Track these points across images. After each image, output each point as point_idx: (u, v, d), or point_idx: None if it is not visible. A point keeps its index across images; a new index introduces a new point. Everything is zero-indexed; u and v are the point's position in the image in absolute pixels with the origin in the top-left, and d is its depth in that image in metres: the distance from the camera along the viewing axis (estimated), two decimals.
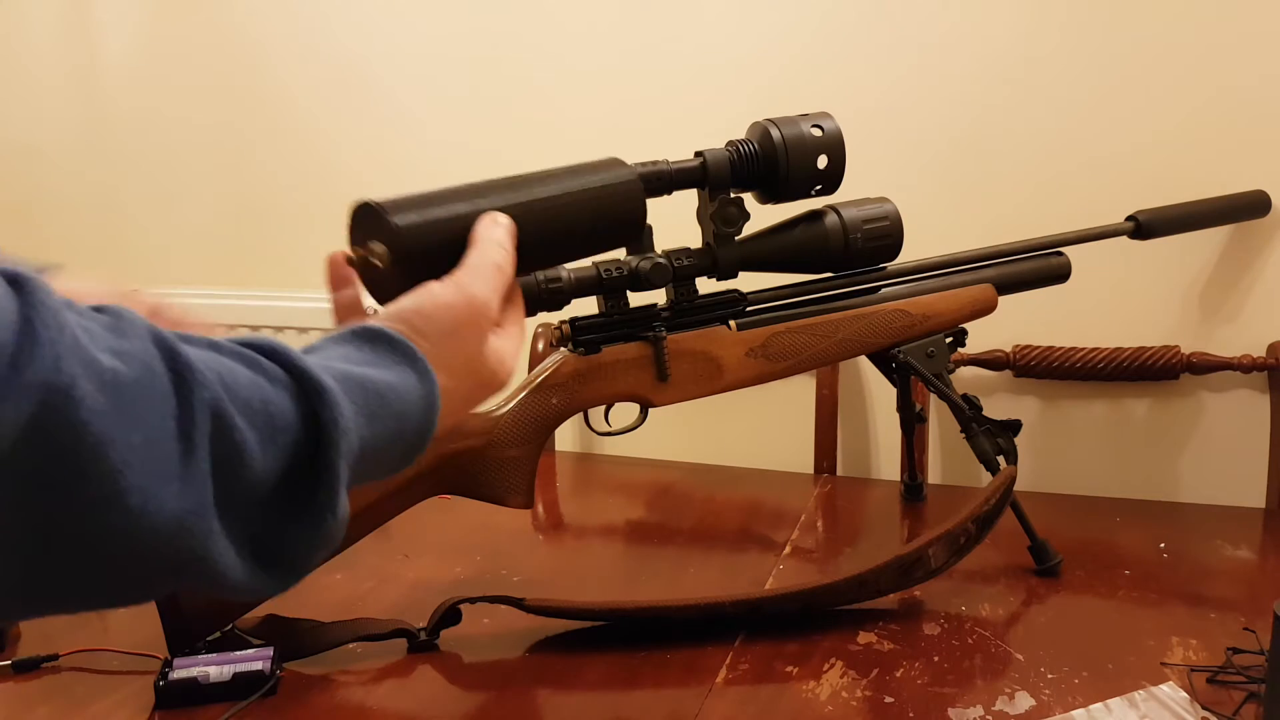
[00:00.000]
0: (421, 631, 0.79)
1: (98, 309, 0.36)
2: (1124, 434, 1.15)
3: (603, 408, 0.84)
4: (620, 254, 0.78)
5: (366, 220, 0.56)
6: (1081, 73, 1.08)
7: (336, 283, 0.57)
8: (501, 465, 0.79)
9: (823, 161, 0.79)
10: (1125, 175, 1.08)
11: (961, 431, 0.89)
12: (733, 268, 0.82)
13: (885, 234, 0.84)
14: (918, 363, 0.88)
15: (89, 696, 0.74)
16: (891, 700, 0.69)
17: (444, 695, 0.74)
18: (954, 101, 1.14)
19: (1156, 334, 1.11)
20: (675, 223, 0.80)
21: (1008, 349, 1.14)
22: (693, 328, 0.82)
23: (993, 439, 0.88)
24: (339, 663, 0.77)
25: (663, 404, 0.82)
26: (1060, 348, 1.13)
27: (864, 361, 1.19)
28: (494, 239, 0.56)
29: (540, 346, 1.31)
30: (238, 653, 0.75)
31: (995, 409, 1.00)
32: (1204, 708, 0.66)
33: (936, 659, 0.75)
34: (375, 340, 0.47)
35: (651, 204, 0.68)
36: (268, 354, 0.40)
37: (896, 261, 0.87)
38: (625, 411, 0.84)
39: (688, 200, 0.80)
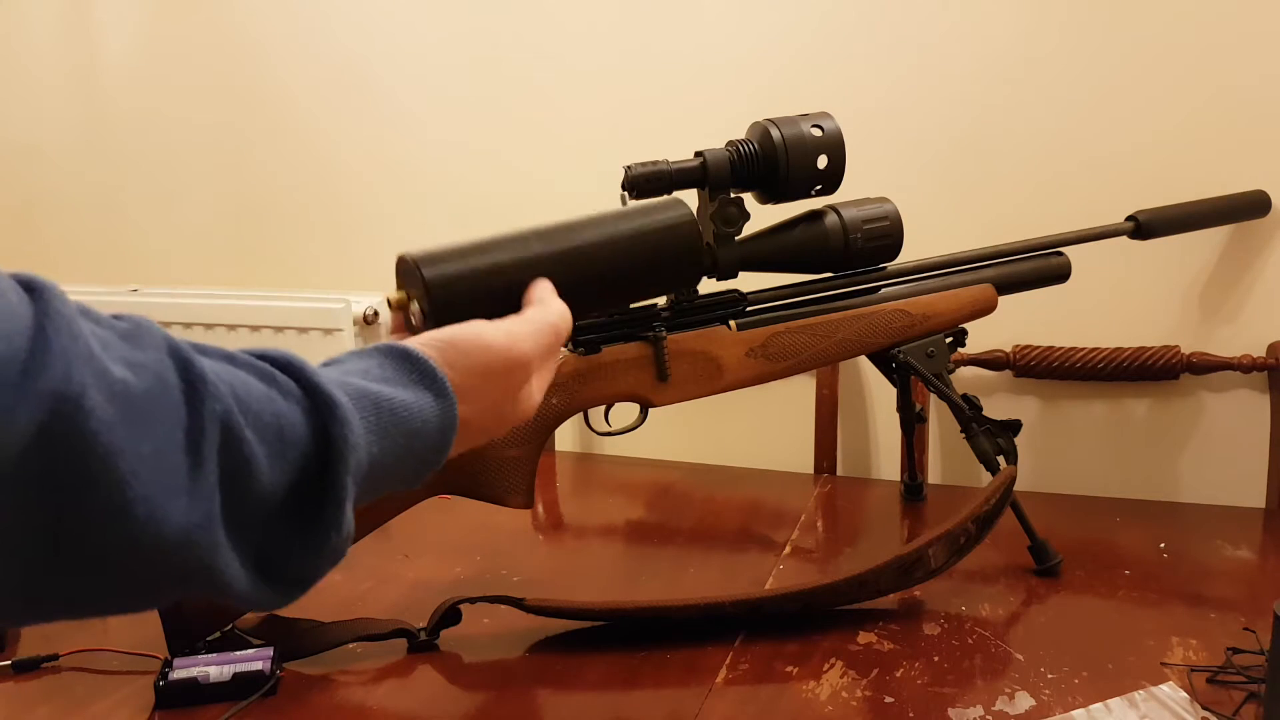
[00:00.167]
0: (421, 631, 0.79)
1: (117, 317, 0.36)
2: (1124, 434, 1.15)
3: (603, 408, 0.84)
4: None
5: (405, 271, 0.58)
6: (1081, 73, 1.08)
7: (397, 326, 0.60)
8: (501, 465, 0.79)
9: (823, 161, 0.79)
10: (1125, 175, 1.08)
11: (961, 431, 0.89)
12: (733, 268, 0.82)
13: (885, 234, 0.84)
14: (918, 363, 0.88)
15: (89, 696, 0.74)
16: (891, 700, 0.69)
17: (444, 695, 0.74)
18: (954, 101, 1.14)
19: (1156, 334, 1.11)
20: None
21: (1008, 349, 1.14)
22: (693, 328, 0.83)
23: (993, 439, 0.88)
24: (339, 663, 0.77)
25: (663, 404, 0.82)
26: (1060, 348, 1.13)
27: (864, 361, 1.19)
28: (560, 303, 0.56)
29: None
30: (238, 653, 0.75)
31: (995, 409, 1.00)
32: (1204, 708, 0.66)
33: (936, 659, 0.75)
34: (398, 358, 0.47)
35: None
36: (282, 367, 0.41)
37: (896, 261, 0.87)
38: (625, 411, 0.84)
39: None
